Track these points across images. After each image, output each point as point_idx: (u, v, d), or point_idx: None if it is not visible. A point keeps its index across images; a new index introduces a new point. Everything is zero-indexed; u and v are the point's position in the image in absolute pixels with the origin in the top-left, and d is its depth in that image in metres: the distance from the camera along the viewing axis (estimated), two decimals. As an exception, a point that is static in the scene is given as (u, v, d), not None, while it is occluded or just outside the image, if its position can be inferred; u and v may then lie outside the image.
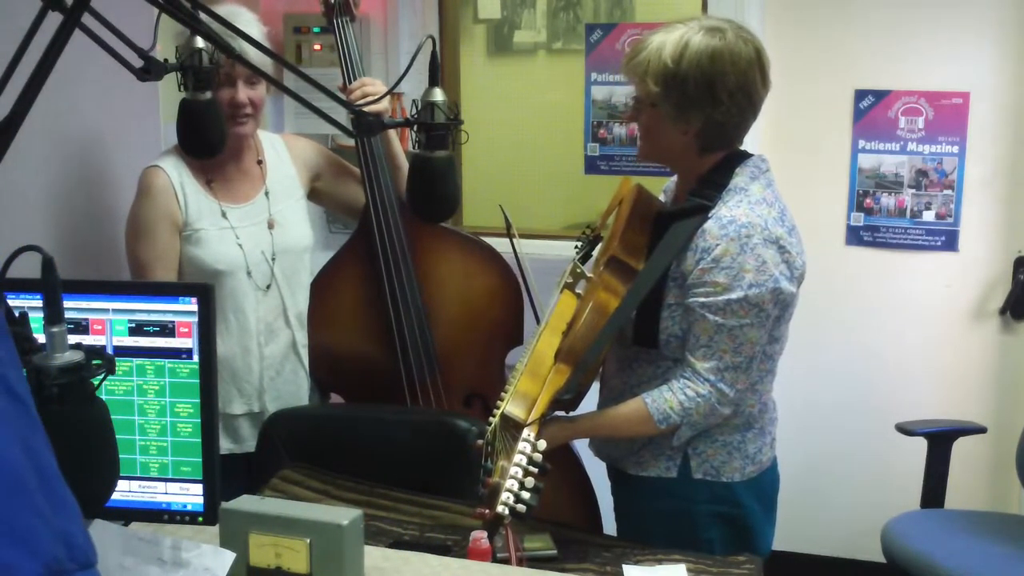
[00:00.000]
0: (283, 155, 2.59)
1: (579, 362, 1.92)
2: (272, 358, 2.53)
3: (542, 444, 1.84)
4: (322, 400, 2.72)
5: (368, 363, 2.62)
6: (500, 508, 1.76)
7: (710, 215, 1.92)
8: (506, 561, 1.80)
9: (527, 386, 1.92)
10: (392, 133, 2.63)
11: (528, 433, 1.84)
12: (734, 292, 1.87)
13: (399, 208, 2.59)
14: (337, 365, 2.64)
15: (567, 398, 1.93)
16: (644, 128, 2.02)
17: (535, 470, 1.80)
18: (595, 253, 2.21)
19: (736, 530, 2.03)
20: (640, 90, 1.97)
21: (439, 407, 2.63)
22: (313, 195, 2.68)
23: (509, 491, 1.77)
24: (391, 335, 2.58)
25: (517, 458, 1.80)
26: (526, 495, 1.77)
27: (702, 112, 1.92)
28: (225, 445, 2.44)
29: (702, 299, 1.90)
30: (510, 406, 1.88)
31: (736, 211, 1.90)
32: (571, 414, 2.03)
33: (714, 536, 2.01)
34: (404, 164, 2.67)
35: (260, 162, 2.53)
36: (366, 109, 2.50)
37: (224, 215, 2.44)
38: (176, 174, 2.40)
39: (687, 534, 1.99)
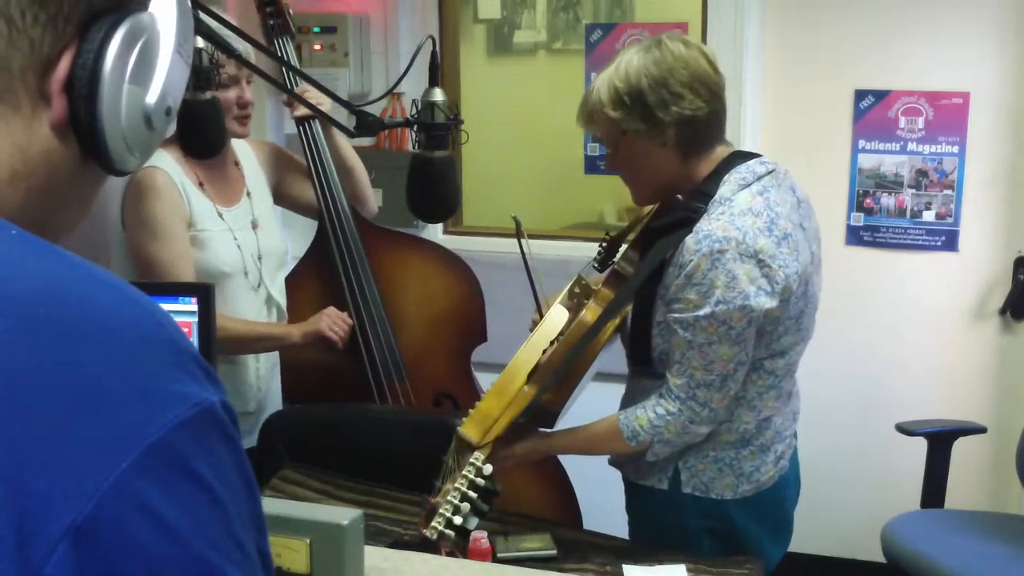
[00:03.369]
0: (251, 158, 2.57)
1: (543, 384, 1.88)
2: (265, 358, 2.53)
3: (488, 469, 1.82)
4: None
5: (335, 370, 2.59)
6: (428, 532, 1.77)
7: (694, 228, 1.87)
8: None
9: (489, 405, 1.89)
10: (340, 136, 2.59)
11: (476, 456, 1.83)
12: (703, 308, 1.82)
13: (352, 214, 2.59)
14: (304, 374, 2.62)
15: (521, 422, 1.90)
16: (629, 164, 1.95)
17: (474, 495, 1.79)
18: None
19: (730, 546, 1.98)
20: (604, 127, 1.93)
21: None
22: (275, 197, 2.64)
23: (442, 515, 1.77)
24: (356, 341, 2.56)
25: (459, 482, 1.80)
26: (458, 520, 1.77)
27: (669, 113, 1.86)
28: None
29: (676, 315, 1.86)
30: (466, 426, 1.86)
31: (715, 225, 1.83)
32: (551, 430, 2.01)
33: (705, 549, 1.97)
34: (356, 165, 2.65)
35: (236, 164, 2.51)
36: (297, 114, 2.56)
37: (221, 216, 2.41)
38: (175, 174, 2.34)
39: (680, 545, 1.96)
